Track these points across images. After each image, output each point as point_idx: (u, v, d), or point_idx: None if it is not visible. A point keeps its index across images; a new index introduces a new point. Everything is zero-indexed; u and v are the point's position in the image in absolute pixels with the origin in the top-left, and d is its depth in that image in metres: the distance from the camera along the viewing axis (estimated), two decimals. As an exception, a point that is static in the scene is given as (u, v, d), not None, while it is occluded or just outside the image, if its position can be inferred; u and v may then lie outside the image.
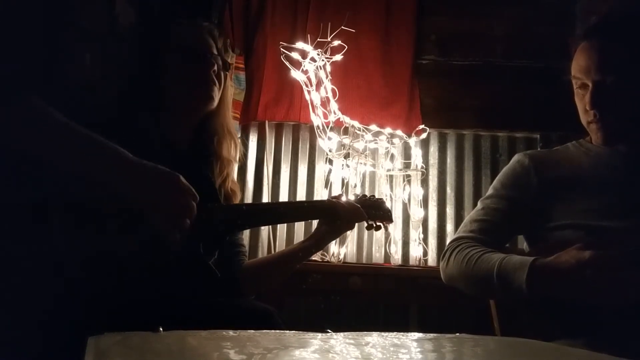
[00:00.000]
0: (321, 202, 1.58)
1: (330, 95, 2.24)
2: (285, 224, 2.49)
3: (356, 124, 2.31)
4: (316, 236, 1.45)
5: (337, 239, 2.15)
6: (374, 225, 1.51)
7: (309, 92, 2.24)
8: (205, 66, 1.33)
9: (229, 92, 1.44)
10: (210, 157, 1.38)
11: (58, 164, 0.99)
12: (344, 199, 1.52)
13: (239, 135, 2.49)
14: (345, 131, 2.32)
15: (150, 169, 1.04)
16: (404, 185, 2.42)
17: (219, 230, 1.26)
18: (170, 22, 1.39)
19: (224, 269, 1.27)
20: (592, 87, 1.28)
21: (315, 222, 1.54)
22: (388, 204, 2.32)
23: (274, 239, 2.47)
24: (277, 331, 0.81)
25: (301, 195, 2.55)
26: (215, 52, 1.36)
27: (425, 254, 2.38)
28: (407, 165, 2.43)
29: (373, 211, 1.50)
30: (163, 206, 1.03)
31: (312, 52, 2.20)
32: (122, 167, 1.02)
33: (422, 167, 2.41)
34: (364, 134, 2.30)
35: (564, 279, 1.10)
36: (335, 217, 1.41)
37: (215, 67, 1.34)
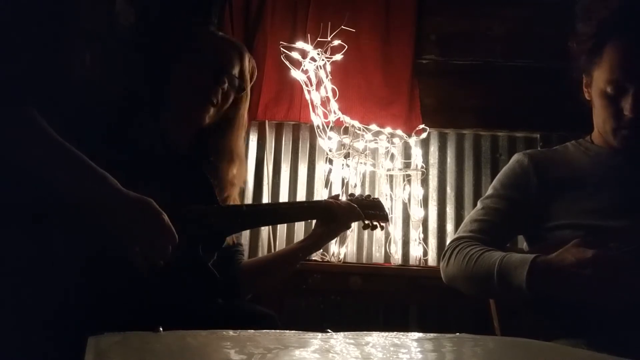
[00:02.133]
0: (318, 202, 1.58)
1: (330, 94, 2.24)
2: (285, 224, 2.49)
3: (356, 123, 2.31)
4: (314, 236, 1.46)
5: (337, 239, 2.15)
6: (371, 224, 1.51)
7: (309, 91, 2.24)
8: (216, 78, 1.31)
9: (240, 115, 1.43)
10: (213, 162, 1.38)
11: (45, 179, 0.99)
12: (342, 199, 1.52)
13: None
14: (345, 131, 2.32)
15: (135, 203, 1.02)
16: (404, 185, 2.42)
17: (219, 231, 1.26)
18: (196, 33, 1.39)
19: (223, 268, 1.28)
20: (635, 90, 1.20)
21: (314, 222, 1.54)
22: (388, 204, 2.34)
23: (274, 239, 2.47)
24: (277, 331, 0.81)
25: (301, 195, 2.55)
26: (234, 72, 1.36)
27: (425, 253, 2.38)
28: (407, 165, 2.43)
29: (370, 211, 1.50)
30: (140, 242, 1.02)
31: (312, 52, 2.20)
32: (107, 196, 1.01)
33: (422, 167, 2.41)
34: (364, 133, 2.30)
35: (565, 277, 1.10)
36: (332, 217, 1.41)
37: (227, 86, 1.33)
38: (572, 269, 1.09)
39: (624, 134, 1.26)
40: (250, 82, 1.41)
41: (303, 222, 2.45)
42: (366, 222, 1.50)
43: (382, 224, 1.55)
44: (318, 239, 1.46)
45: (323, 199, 2.26)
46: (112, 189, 1.01)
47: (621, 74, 1.23)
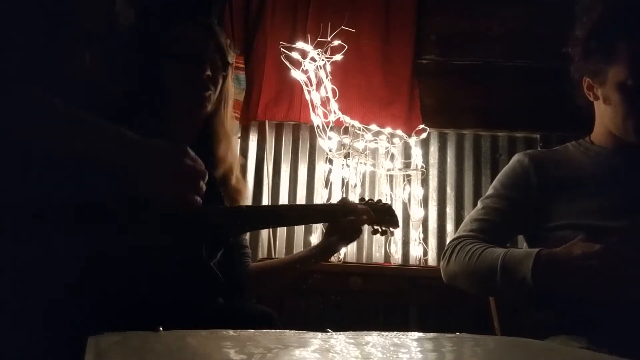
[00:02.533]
0: (323, 205, 1.56)
1: (330, 95, 2.24)
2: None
3: (356, 123, 2.31)
4: (323, 245, 1.42)
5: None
6: (380, 230, 1.49)
7: (309, 91, 2.25)
8: (198, 69, 1.30)
9: (229, 91, 1.42)
10: (212, 157, 1.38)
11: (61, 149, 0.99)
12: (348, 201, 1.50)
13: (239, 135, 2.49)
14: (345, 131, 2.32)
15: (156, 144, 1.04)
16: (404, 185, 2.42)
17: (221, 232, 1.26)
18: (169, 25, 1.37)
19: (229, 270, 1.27)
20: None
21: (314, 226, 1.52)
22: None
23: (274, 240, 2.47)
24: (277, 331, 0.81)
25: (301, 195, 2.55)
26: (211, 52, 1.34)
27: (425, 253, 2.38)
28: (407, 165, 2.43)
29: (379, 217, 1.48)
30: (174, 177, 1.04)
31: (312, 52, 2.20)
32: (128, 145, 1.02)
33: (422, 167, 2.41)
34: (364, 133, 2.30)
35: (570, 269, 1.10)
36: (336, 223, 1.39)
37: (209, 70, 1.31)
38: (578, 261, 1.09)
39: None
40: (228, 55, 1.40)
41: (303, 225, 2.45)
42: (375, 227, 1.48)
43: (392, 229, 1.53)
44: (327, 249, 1.42)
45: (324, 202, 2.27)
46: (133, 138, 1.02)
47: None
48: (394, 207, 2.39)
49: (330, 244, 1.42)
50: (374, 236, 2.49)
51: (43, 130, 0.99)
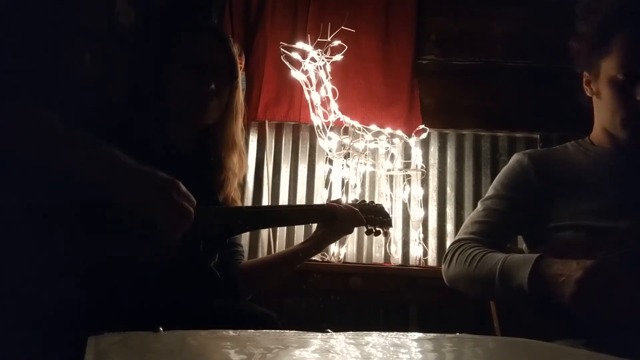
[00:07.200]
0: (321, 206, 1.57)
1: (330, 95, 2.24)
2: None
3: (356, 124, 2.31)
4: (315, 238, 1.45)
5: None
6: (374, 230, 1.51)
7: (309, 92, 2.24)
8: (202, 82, 1.30)
9: (238, 102, 1.42)
10: (214, 164, 1.38)
11: (56, 168, 0.99)
12: (343, 202, 1.51)
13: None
14: (345, 131, 2.32)
15: (149, 174, 1.04)
16: (404, 185, 2.42)
17: (219, 232, 1.26)
18: (178, 30, 1.37)
19: (222, 269, 1.28)
20: None
21: (314, 226, 1.54)
22: (388, 204, 2.34)
23: (274, 240, 2.47)
24: (277, 331, 0.81)
25: (301, 195, 2.55)
26: (218, 64, 1.34)
27: (425, 254, 2.38)
28: (407, 165, 2.43)
29: (372, 216, 1.50)
30: (161, 211, 1.04)
31: (312, 52, 2.20)
32: (121, 171, 1.02)
33: (422, 167, 2.41)
34: (364, 134, 2.30)
35: (560, 282, 1.10)
36: (335, 221, 1.41)
37: (214, 84, 1.31)
38: (567, 277, 1.08)
39: (635, 123, 1.26)
40: (240, 65, 1.40)
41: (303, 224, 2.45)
42: (369, 227, 1.50)
43: (385, 229, 1.54)
44: (319, 242, 1.46)
45: (324, 202, 2.27)
46: (127, 164, 1.02)
47: (634, 59, 1.23)
48: (394, 208, 2.41)
49: (319, 241, 1.45)
50: (374, 237, 2.50)
51: (39, 150, 0.99)
